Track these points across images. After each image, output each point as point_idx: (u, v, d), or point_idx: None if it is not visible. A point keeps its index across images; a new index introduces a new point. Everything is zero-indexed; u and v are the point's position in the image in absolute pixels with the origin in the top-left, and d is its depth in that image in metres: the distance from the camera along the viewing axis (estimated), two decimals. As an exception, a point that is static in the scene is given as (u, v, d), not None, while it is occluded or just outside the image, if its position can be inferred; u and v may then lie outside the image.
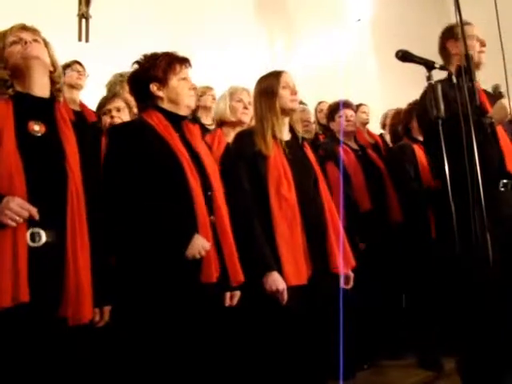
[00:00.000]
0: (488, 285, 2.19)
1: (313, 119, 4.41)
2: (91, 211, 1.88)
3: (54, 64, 2.00)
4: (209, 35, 5.74)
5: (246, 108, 2.99)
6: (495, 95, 2.77)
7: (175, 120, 2.16)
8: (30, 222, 1.72)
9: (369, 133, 4.40)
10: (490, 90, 2.87)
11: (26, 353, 1.69)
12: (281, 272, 2.25)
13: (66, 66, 3.67)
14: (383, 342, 3.50)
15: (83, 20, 5.40)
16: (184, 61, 2.23)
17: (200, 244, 1.96)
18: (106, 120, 2.91)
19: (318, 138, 4.29)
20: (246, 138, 2.46)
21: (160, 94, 2.16)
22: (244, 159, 2.39)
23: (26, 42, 1.91)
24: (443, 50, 2.91)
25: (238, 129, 2.91)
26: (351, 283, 2.52)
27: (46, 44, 2.01)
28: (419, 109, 2.84)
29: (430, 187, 3.23)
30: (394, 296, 3.50)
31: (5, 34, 1.94)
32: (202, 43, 5.41)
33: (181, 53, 2.26)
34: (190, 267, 1.96)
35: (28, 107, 1.87)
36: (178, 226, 1.98)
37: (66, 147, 1.87)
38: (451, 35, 2.81)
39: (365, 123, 4.42)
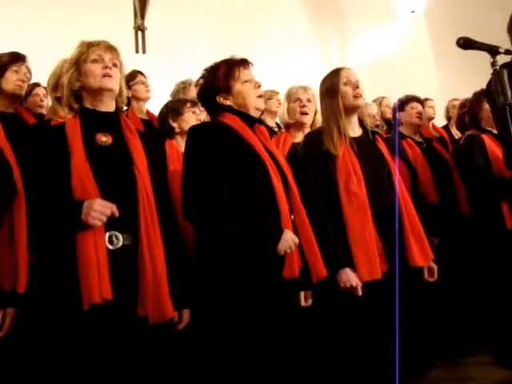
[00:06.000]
0: None
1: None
2: (162, 213, 1.93)
3: (121, 90, 2.02)
4: (262, 41, 5.78)
5: (304, 106, 2.94)
6: None
7: (249, 121, 2.18)
8: (107, 226, 1.79)
9: (434, 127, 4.32)
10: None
11: (109, 348, 1.76)
12: (354, 268, 2.26)
13: (130, 78, 3.70)
14: (458, 338, 3.41)
15: (139, 32, 5.54)
16: (242, 63, 2.23)
17: (290, 239, 1.99)
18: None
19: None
20: (315, 138, 2.48)
21: (228, 102, 2.18)
22: (313, 159, 2.42)
23: (105, 67, 1.93)
24: None
25: (306, 130, 2.92)
26: (435, 275, 2.49)
27: (121, 68, 2.02)
28: (487, 97, 2.75)
29: (503, 177, 3.12)
30: (469, 291, 3.39)
31: (89, 45, 1.96)
32: (256, 50, 5.45)
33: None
34: (274, 263, 2.00)
35: (95, 121, 1.94)
36: (267, 223, 2.02)
37: (134, 154, 1.93)
38: None
39: (431, 118, 4.34)
